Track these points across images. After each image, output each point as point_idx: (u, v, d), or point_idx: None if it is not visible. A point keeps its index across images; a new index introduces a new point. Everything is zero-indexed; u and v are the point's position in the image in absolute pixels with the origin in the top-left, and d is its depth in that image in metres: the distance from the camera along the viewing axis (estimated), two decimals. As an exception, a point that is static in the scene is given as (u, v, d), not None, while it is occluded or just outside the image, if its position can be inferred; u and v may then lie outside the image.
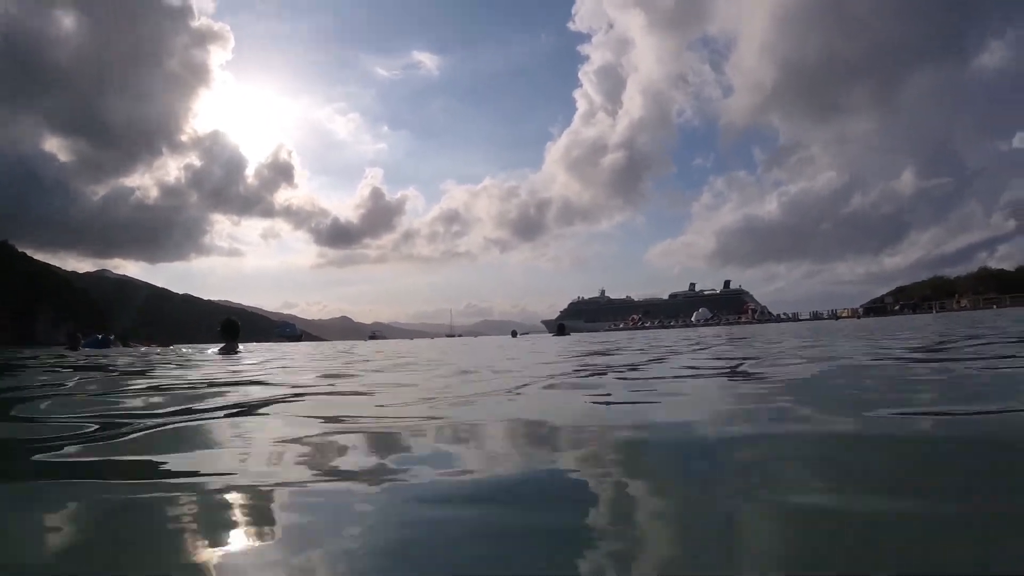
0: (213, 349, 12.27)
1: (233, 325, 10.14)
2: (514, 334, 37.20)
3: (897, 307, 67.91)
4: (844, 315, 64.06)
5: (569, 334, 25.06)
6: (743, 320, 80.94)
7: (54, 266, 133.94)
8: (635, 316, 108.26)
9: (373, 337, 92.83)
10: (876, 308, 71.28)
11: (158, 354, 10.83)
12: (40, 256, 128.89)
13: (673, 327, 71.76)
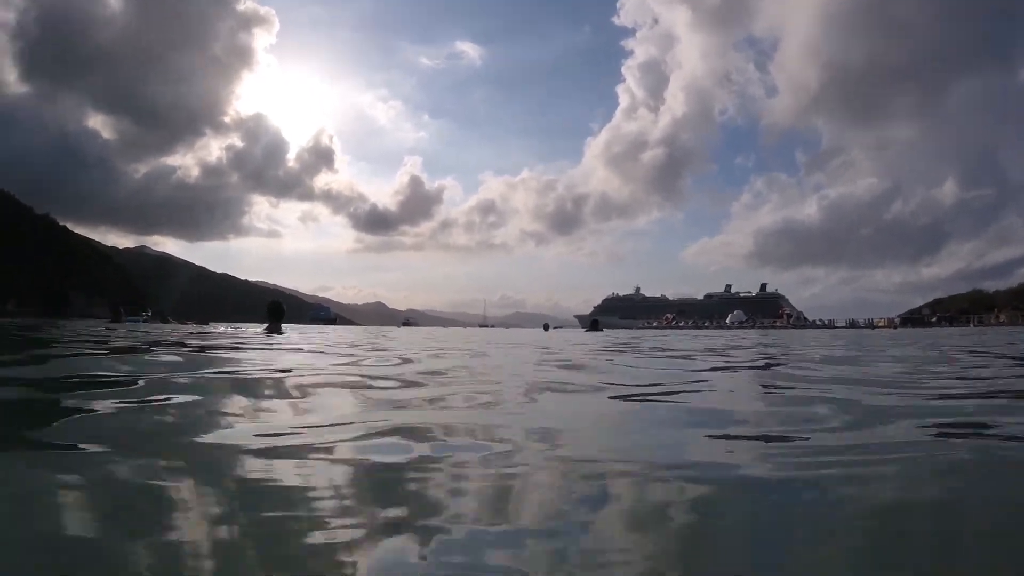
0: (255, 328, 13.22)
1: (279, 307, 10.82)
2: (546, 327, 36.29)
3: (934, 319, 67.91)
4: (880, 324, 64.19)
5: (602, 330, 24.24)
6: (778, 324, 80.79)
7: (95, 241, 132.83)
8: (669, 315, 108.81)
9: (407, 323, 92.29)
10: (913, 319, 71.29)
11: (207, 332, 10.42)
12: (81, 230, 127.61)
13: (707, 328, 72.56)
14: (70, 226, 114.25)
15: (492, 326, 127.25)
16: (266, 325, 10.80)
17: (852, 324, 72.09)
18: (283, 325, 11.34)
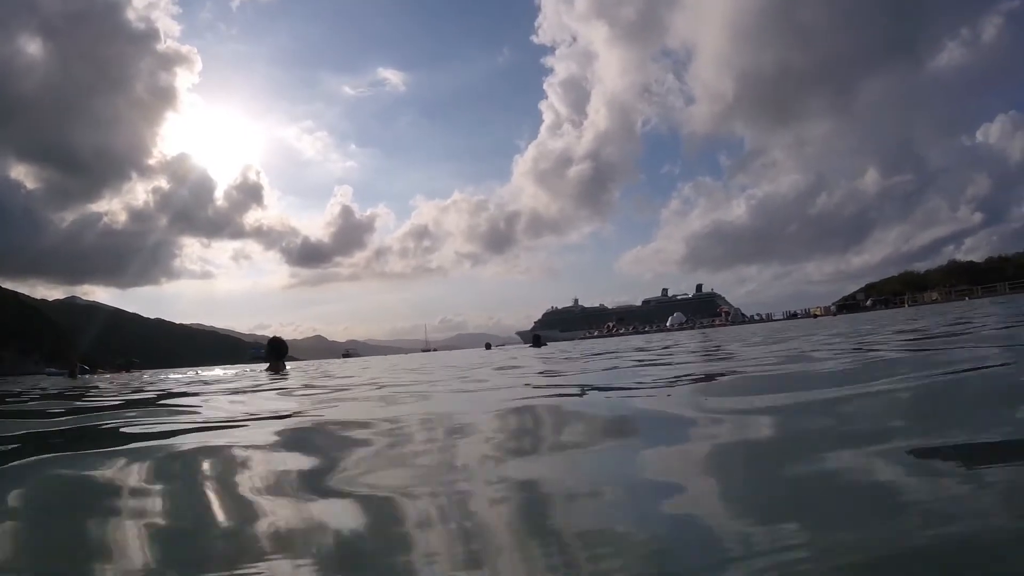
0: (250, 368, 12.77)
1: (281, 344, 10.24)
2: (488, 346, 36.46)
3: (869, 303, 67.49)
4: (817, 313, 63.44)
5: (546, 344, 23.67)
6: (717, 323, 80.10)
7: (22, 294, 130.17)
8: (610, 323, 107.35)
9: (347, 355, 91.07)
10: (849, 305, 70.64)
11: (213, 380, 9.00)
12: (8, 284, 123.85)
13: (648, 332, 70.57)
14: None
15: (435, 350, 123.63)
16: (267, 364, 10.36)
17: (791, 316, 71.71)
18: (222, 367, 11.11)
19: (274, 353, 10.23)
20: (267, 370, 10.21)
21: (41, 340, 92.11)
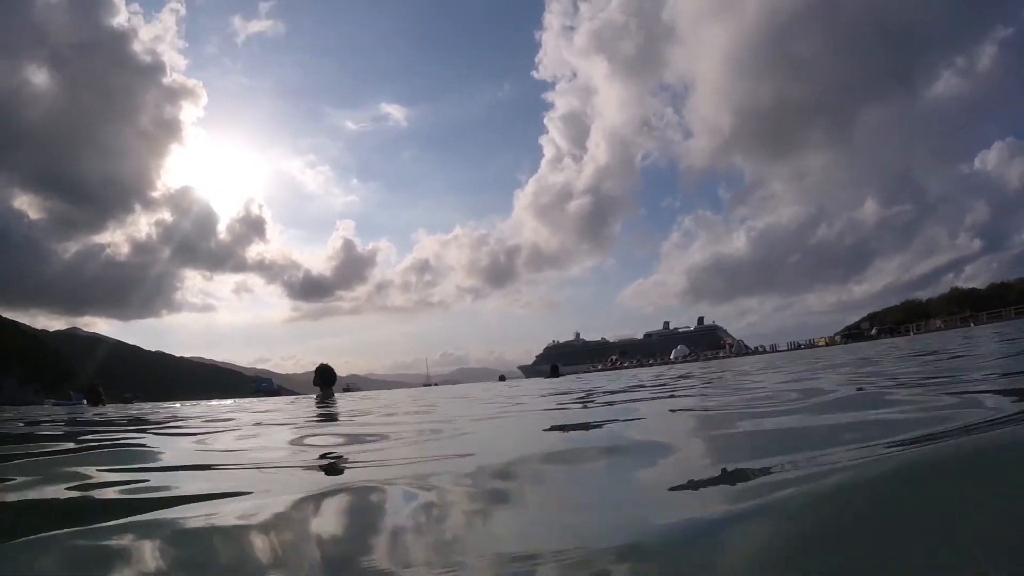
0: (292, 400, 12.59)
1: (329, 372, 10.15)
2: (502, 378, 35.99)
3: (874, 332, 66.96)
4: (821, 343, 62.96)
5: (562, 375, 23.27)
6: (721, 355, 79.42)
7: (23, 324, 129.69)
8: (612, 357, 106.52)
9: (347, 390, 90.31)
10: (853, 334, 70.07)
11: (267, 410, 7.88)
12: (9, 314, 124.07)
13: (653, 365, 69.89)
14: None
15: (436, 384, 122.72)
16: (318, 393, 10.19)
17: (795, 346, 71.10)
18: (222, 400, 11.25)
19: (324, 380, 10.18)
20: (318, 399, 10.09)
21: (42, 370, 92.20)
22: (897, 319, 74.57)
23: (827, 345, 55.84)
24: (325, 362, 10.30)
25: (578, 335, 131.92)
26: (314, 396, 11.45)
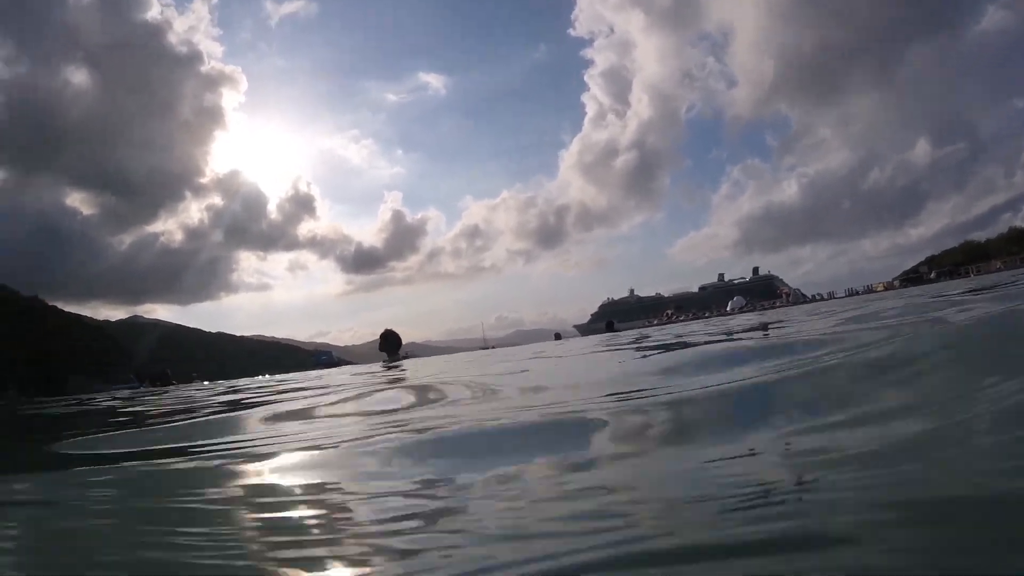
0: (361, 369, 12.02)
1: (395, 336, 10.52)
2: (557, 337, 37.93)
3: (932, 275, 67.36)
4: (879, 288, 63.75)
5: (617, 330, 24.96)
6: (779, 305, 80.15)
7: (86, 316, 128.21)
8: (668, 311, 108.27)
9: (406, 357, 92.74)
10: (912, 278, 70.20)
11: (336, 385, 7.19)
12: (71, 308, 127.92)
13: (708, 317, 71.49)
14: (60, 305, 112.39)
15: (494, 347, 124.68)
16: (384, 358, 10.21)
17: (852, 292, 71.43)
18: (285, 376, 10.36)
19: (390, 345, 10.37)
20: (384, 363, 9.98)
21: (107, 358, 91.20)
22: (956, 261, 73.70)
23: (885, 289, 56.70)
24: (389, 328, 10.36)
25: (632, 291, 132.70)
26: (379, 364, 10.61)
